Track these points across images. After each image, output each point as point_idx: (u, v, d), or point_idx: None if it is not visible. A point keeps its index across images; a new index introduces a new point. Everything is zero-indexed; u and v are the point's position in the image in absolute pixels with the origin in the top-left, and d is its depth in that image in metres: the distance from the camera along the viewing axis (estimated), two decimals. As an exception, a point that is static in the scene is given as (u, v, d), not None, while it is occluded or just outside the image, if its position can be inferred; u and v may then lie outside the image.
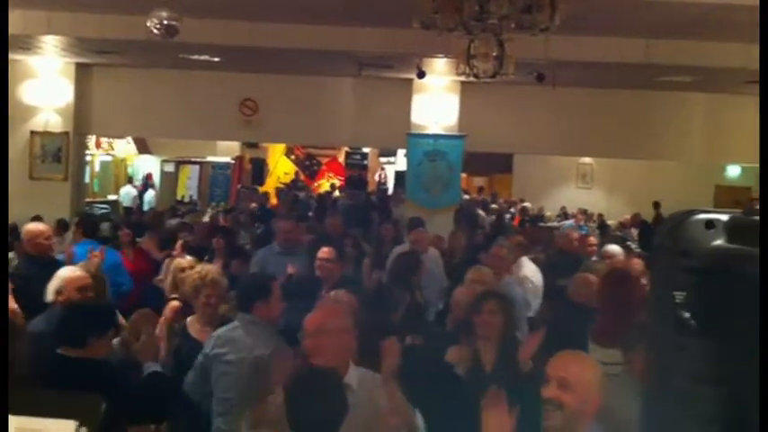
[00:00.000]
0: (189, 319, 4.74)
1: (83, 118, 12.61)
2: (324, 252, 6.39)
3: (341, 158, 22.97)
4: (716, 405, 1.33)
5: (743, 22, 8.32)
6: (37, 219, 9.59)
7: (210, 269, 4.81)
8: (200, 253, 7.61)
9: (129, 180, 19.60)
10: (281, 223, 7.86)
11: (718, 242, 1.34)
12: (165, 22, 7.35)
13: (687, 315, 1.35)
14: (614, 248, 7.62)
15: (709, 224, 1.35)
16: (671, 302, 1.37)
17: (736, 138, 13.14)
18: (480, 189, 21.64)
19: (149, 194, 18.55)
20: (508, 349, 4.26)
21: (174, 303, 5.37)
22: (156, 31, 7.48)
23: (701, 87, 12.20)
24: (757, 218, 1.32)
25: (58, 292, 4.66)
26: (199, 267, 4.82)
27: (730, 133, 13.13)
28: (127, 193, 18.62)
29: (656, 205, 16.80)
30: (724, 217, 1.36)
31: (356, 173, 22.58)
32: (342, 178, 22.05)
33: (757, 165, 13.47)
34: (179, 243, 7.92)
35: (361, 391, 3.38)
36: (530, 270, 7.07)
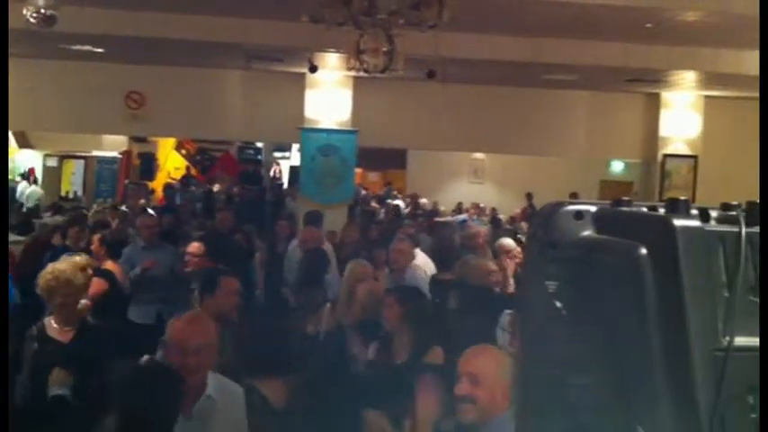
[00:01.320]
0: (45, 320, 4.52)
1: (-44, 110, 11.92)
2: (192, 247, 6.46)
3: (234, 153, 22.59)
4: (585, 392, 1.35)
5: (620, 21, 8.66)
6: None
7: (64, 268, 4.60)
8: (118, 248, 7.41)
9: (22, 176, 18.74)
10: (143, 219, 7.97)
11: (587, 233, 1.35)
12: (43, 10, 7.03)
13: (559, 304, 1.36)
14: (509, 242, 7.73)
15: (578, 215, 1.36)
16: (543, 292, 1.38)
17: (619, 134, 13.67)
18: (387, 185, 21.72)
19: (35, 190, 17.75)
20: (419, 340, 4.32)
21: None
22: (32, 20, 7.15)
23: (585, 85, 12.63)
24: (624, 209, 1.35)
25: None
26: (50, 268, 4.61)
27: (613, 130, 13.63)
28: (23, 190, 17.82)
29: (529, 197, 17.39)
30: (592, 208, 1.37)
31: (250, 168, 22.27)
32: (234, 173, 21.69)
33: (638, 160, 14.06)
34: (96, 238, 7.60)
35: (219, 401, 3.30)
36: (421, 260, 7.15)
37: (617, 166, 18.64)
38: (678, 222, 1.17)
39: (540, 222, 1.39)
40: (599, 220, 1.33)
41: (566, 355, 1.36)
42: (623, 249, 1.22)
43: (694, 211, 1.22)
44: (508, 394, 2.88)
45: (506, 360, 3.02)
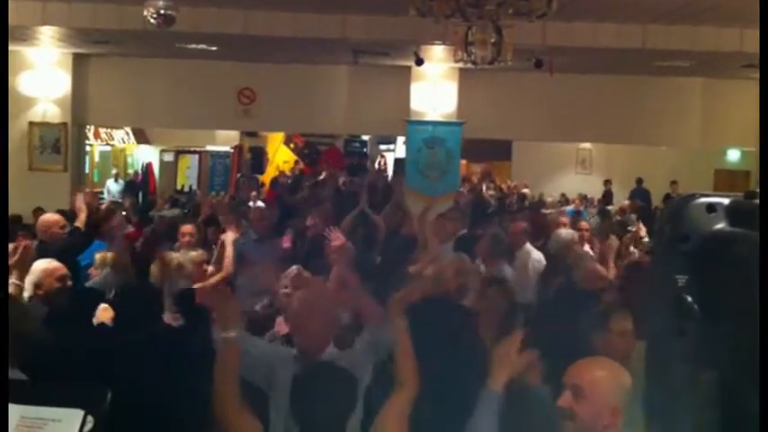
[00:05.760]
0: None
1: (80, 108, 12.57)
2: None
3: (340, 146, 22.92)
4: (714, 388, 1.33)
5: (736, 6, 8.31)
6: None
7: (175, 256, 4.87)
8: None
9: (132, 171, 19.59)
10: (256, 211, 7.98)
11: (720, 226, 1.33)
12: (162, 11, 7.33)
13: (690, 299, 1.35)
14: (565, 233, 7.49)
15: (711, 208, 1.35)
16: (673, 286, 1.37)
17: (735, 122, 13.12)
18: (484, 175, 21.59)
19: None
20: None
21: None
22: (152, 20, 7.46)
23: (699, 72, 12.18)
24: (758, 201, 1.32)
25: (37, 285, 4.54)
26: (167, 258, 4.89)
27: (728, 117, 13.11)
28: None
29: (639, 181, 17.09)
30: (725, 201, 1.35)
31: (355, 160, 22.53)
32: (341, 166, 21.99)
33: (756, 149, 13.46)
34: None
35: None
36: (536, 255, 7.02)
37: (733, 155, 17.89)
38: (818, 216, 1.15)
39: (671, 215, 1.38)
40: (732, 212, 1.32)
41: (697, 350, 1.34)
42: (759, 242, 1.20)
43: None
44: (618, 412, 2.62)
45: (622, 374, 2.74)
